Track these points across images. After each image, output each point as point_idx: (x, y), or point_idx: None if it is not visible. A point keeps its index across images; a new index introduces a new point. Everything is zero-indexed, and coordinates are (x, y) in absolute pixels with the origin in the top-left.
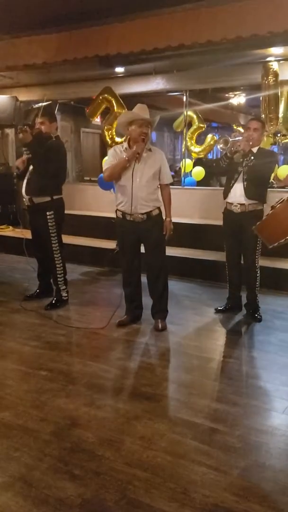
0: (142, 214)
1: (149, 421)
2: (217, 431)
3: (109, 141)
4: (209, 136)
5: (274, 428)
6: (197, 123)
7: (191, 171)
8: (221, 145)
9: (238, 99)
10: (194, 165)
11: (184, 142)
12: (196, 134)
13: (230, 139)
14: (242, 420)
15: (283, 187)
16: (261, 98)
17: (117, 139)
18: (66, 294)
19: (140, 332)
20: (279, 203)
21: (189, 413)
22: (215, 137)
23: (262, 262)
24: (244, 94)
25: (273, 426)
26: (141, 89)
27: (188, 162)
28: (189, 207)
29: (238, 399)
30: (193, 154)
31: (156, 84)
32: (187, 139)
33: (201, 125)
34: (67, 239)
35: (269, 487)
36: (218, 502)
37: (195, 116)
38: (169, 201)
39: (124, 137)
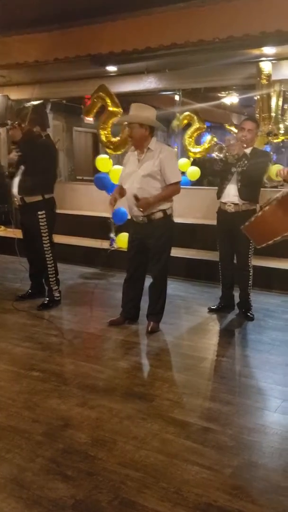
0: (143, 216)
1: (142, 421)
2: (210, 430)
3: (105, 140)
4: (209, 136)
5: (267, 427)
6: (197, 123)
7: (186, 170)
8: (216, 153)
9: (231, 98)
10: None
11: (178, 141)
12: (196, 134)
13: (225, 145)
14: (234, 419)
15: (275, 187)
16: (255, 98)
17: (113, 139)
18: (58, 294)
19: (134, 332)
20: (268, 204)
21: (182, 413)
22: (215, 138)
23: (255, 261)
24: (237, 94)
25: (265, 425)
26: (134, 88)
27: (184, 161)
28: (183, 206)
29: (231, 398)
30: (191, 154)
31: (148, 83)
32: (186, 139)
33: (201, 125)
34: (59, 238)
35: (262, 486)
36: (211, 501)
37: (195, 117)
38: (167, 192)
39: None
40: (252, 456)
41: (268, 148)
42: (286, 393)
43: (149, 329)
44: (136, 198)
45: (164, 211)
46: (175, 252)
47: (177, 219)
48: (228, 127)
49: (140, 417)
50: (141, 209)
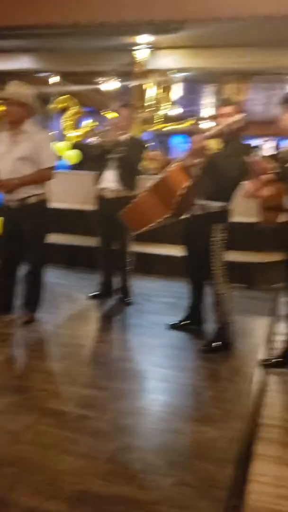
0: (15, 201)
1: (16, 415)
2: (86, 418)
3: None
4: (88, 121)
5: (142, 409)
6: (74, 107)
7: (64, 154)
8: (92, 138)
9: (109, 84)
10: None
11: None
12: (74, 118)
13: (98, 131)
14: (111, 404)
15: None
16: (130, 86)
17: None
18: None
19: (8, 323)
20: (143, 192)
21: (58, 402)
22: (95, 123)
23: (133, 247)
24: (115, 80)
25: (141, 407)
26: (8, 67)
27: (62, 144)
28: (62, 191)
29: (108, 383)
30: (68, 138)
31: (24, 62)
32: (64, 122)
33: (79, 109)
34: None
35: (137, 467)
36: (86, 489)
37: (72, 100)
38: (36, 176)
39: None
40: (128, 439)
41: (148, 136)
42: (162, 374)
43: (25, 319)
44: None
45: (37, 195)
46: (54, 238)
47: (56, 204)
48: (105, 113)
49: (14, 410)
50: (4, 190)
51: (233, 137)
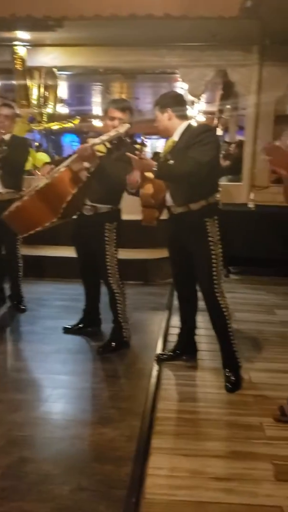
0: None
1: None
2: None
3: None
4: None
5: (38, 418)
6: None
7: None
8: None
9: None
10: None
11: None
12: None
13: None
14: (5, 417)
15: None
16: (14, 83)
17: None
18: None
19: None
20: (27, 194)
21: None
22: None
23: (24, 250)
24: None
25: (37, 416)
26: None
27: None
28: None
29: (1, 395)
30: None
31: None
32: None
33: None
34: None
35: (32, 479)
36: None
37: None
38: None
39: None
40: (23, 451)
41: (37, 136)
42: (57, 380)
43: None
44: None
45: None
46: None
47: None
48: None
49: None
50: None
51: (119, 140)
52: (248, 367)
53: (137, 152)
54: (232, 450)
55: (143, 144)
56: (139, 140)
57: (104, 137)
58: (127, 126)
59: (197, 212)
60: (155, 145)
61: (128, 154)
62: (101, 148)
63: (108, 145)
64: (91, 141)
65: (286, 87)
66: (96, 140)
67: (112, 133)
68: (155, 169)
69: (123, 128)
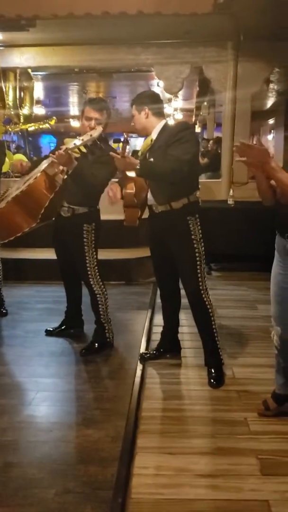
0: None
1: None
2: None
3: None
4: None
5: (22, 422)
6: None
7: None
8: None
9: None
10: None
11: None
12: None
13: None
14: None
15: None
16: None
17: None
18: None
19: None
20: (3, 199)
21: None
22: None
23: (4, 253)
24: None
25: (21, 420)
26: None
27: None
28: None
29: None
30: None
31: None
32: None
33: None
34: None
35: (17, 484)
36: None
37: None
38: None
39: None
40: (7, 456)
41: (15, 138)
42: (40, 383)
43: None
44: None
45: None
46: None
47: None
48: None
49: None
50: None
51: (94, 143)
52: (232, 363)
53: (119, 151)
54: (217, 446)
55: (126, 142)
56: (121, 138)
57: (77, 142)
58: (100, 130)
59: (179, 211)
60: (134, 143)
61: (112, 153)
62: (76, 151)
63: (83, 149)
64: (65, 146)
65: (261, 83)
66: (70, 145)
67: (86, 137)
68: (138, 167)
69: (96, 133)
